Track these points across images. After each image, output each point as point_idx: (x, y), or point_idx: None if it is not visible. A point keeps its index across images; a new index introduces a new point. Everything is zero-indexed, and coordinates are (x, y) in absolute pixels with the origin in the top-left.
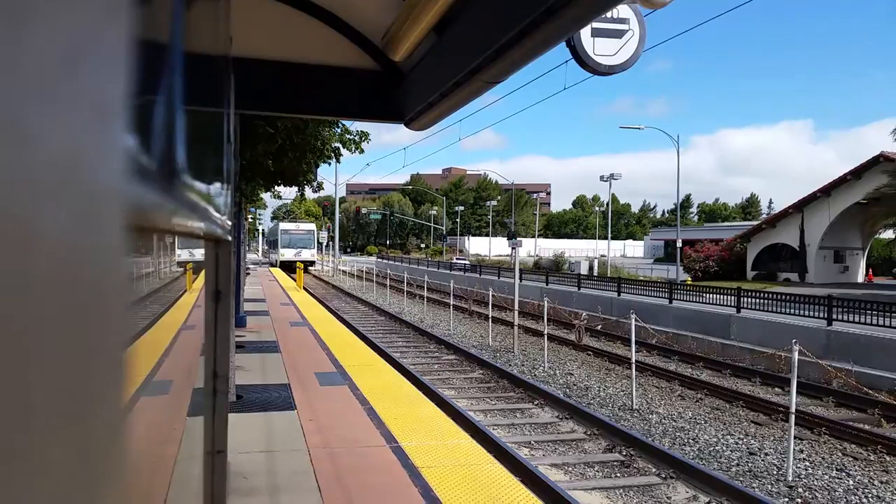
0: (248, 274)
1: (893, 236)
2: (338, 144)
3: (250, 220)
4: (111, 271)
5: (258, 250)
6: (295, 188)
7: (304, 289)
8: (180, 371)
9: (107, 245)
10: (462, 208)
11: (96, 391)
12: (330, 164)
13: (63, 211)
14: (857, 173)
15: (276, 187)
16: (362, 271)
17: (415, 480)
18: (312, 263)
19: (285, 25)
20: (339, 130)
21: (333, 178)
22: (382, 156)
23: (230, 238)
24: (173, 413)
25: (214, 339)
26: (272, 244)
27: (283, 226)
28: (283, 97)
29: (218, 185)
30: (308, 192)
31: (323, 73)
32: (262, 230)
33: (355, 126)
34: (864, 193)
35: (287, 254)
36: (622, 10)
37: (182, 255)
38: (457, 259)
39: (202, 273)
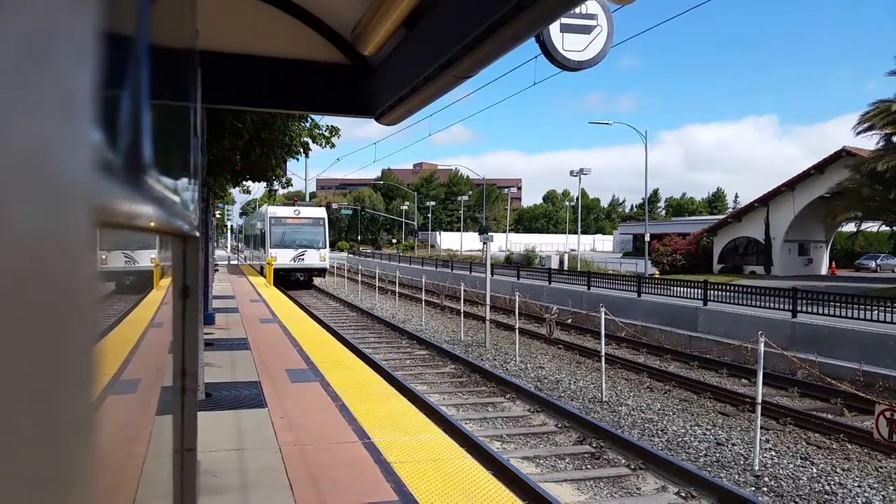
0: (217, 271)
1: (855, 229)
2: (307, 139)
3: (218, 215)
4: (78, 268)
5: (226, 246)
6: (263, 183)
7: (274, 285)
8: (149, 369)
9: (73, 241)
10: (433, 203)
11: (64, 390)
12: (298, 159)
13: (29, 206)
14: (821, 168)
15: (244, 182)
16: (333, 267)
17: (387, 476)
18: (323, 273)
19: (253, 19)
20: (308, 125)
21: (303, 174)
22: (353, 151)
23: (198, 234)
24: (142, 411)
25: (183, 337)
26: (254, 240)
27: (275, 210)
28: (250, 91)
29: (185, 180)
30: (277, 188)
31: (291, 67)
32: (231, 226)
33: (325, 121)
34: (828, 188)
35: (281, 256)
36: (590, 6)
37: (149, 251)
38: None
39: (170, 270)
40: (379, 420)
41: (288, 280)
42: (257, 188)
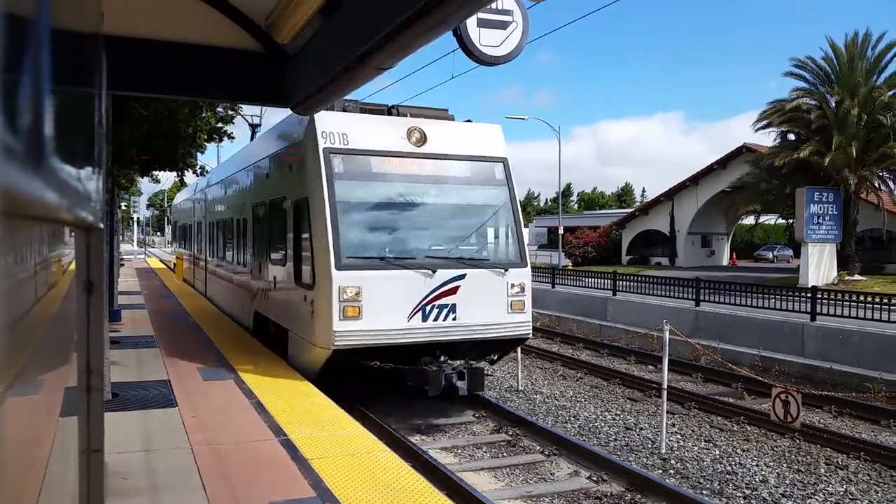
0: (122, 265)
1: (754, 222)
2: (221, 125)
3: (124, 207)
4: None
5: (133, 240)
6: (174, 173)
7: (184, 280)
8: (50, 368)
9: None
10: None
11: None
12: (204, 152)
13: None
14: (723, 163)
15: (153, 172)
16: None
17: (305, 473)
18: (511, 348)
19: (163, 3)
20: (221, 112)
21: (215, 163)
22: None
23: (102, 226)
24: (44, 412)
25: (87, 333)
26: (229, 235)
27: (334, 123)
28: (160, 78)
29: (88, 169)
30: (191, 178)
31: (204, 53)
32: (138, 218)
33: (247, 109)
34: (729, 182)
35: (375, 298)
36: (506, 2)
37: (50, 243)
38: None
39: (72, 263)
40: (296, 416)
41: (394, 378)
42: (167, 178)
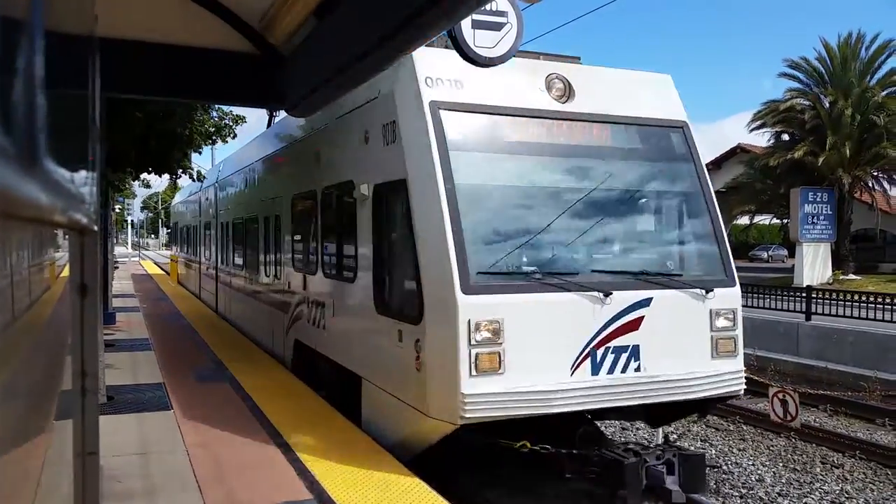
0: (117, 268)
1: (749, 222)
2: (212, 129)
3: (118, 209)
4: None
5: (127, 243)
6: (167, 176)
7: (179, 283)
8: (45, 371)
9: None
10: None
11: None
12: (201, 153)
13: None
14: (718, 163)
15: (146, 175)
16: None
17: (300, 474)
18: (721, 403)
19: (157, 6)
20: (216, 116)
21: (211, 166)
22: None
23: (96, 228)
24: (39, 416)
25: (81, 336)
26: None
27: (442, 64)
28: (152, 79)
29: (82, 171)
30: (185, 182)
31: (196, 55)
32: (132, 221)
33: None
34: (724, 182)
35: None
36: (500, 4)
37: (43, 245)
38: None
39: (66, 265)
40: (292, 419)
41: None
42: (160, 182)
